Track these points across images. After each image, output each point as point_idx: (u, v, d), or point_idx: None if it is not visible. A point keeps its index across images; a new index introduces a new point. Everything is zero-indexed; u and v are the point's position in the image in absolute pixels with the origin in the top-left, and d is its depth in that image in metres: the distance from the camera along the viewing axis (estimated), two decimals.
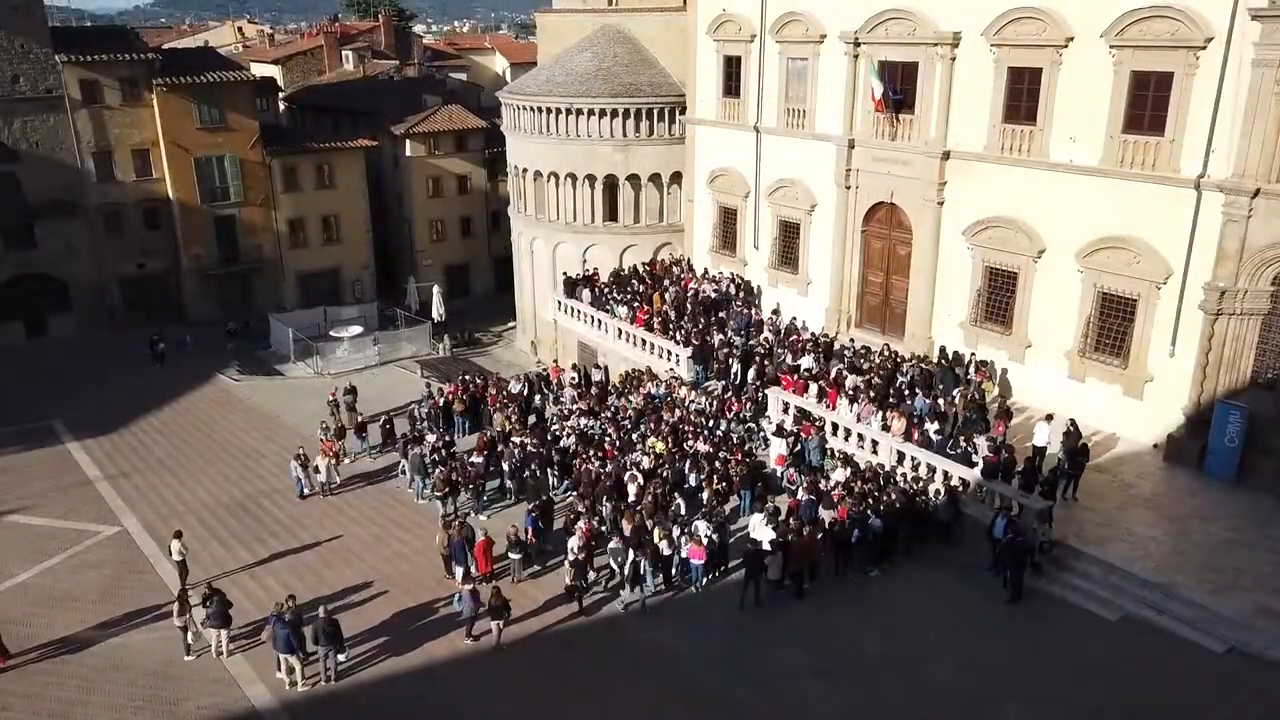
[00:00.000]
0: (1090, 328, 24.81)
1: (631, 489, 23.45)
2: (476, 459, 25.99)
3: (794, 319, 32.05)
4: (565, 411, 29.98)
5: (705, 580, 20.88)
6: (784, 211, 33.40)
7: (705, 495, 22.87)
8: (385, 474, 28.56)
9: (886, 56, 28.07)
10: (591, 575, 20.86)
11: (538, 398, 31.66)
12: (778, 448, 24.61)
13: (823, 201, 31.61)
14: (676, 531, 20.88)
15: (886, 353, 27.95)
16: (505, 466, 25.85)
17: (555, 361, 36.87)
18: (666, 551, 20.58)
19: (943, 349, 27.71)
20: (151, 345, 40.57)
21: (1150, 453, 23.80)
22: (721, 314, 32.67)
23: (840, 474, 22.91)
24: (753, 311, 33.14)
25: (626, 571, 20.65)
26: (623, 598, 20.63)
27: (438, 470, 25.41)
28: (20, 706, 17.94)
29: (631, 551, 20.51)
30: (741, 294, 34.36)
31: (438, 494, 24.91)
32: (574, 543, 20.61)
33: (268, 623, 18.64)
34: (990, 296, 27.16)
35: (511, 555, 21.79)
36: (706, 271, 36.24)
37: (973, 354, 27.29)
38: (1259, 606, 17.99)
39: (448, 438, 28.37)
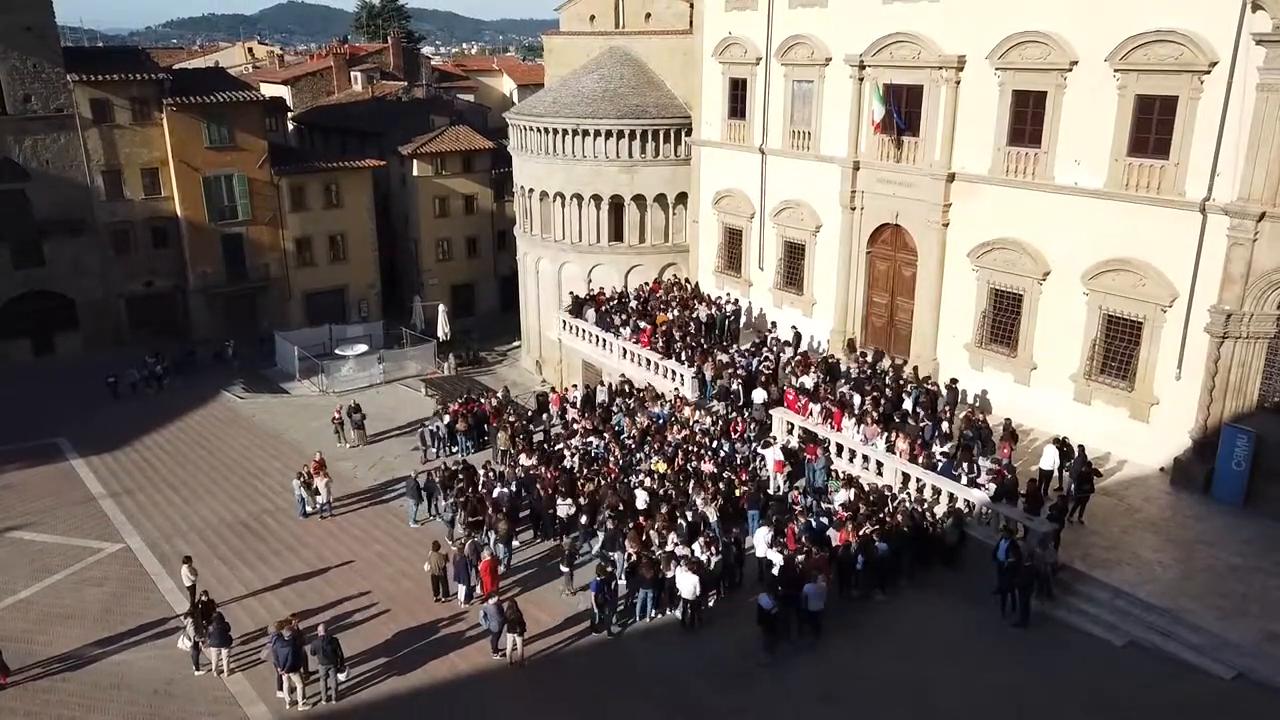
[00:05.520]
0: (1096, 350, 24.74)
1: (641, 498, 23.52)
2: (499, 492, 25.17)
3: (811, 338, 31.65)
4: (569, 430, 29.92)
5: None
6: (789, 233, 33.47)
7: (711, 516, 22.75)
8: (386, 493, 28.56)
9: (891, 80, 28.22)
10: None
11: (543, 416, 31.62)
12: (772, 457, 24.56)
13: (828, 223, 31.67)
14: (681, 549, 20.82)
15: (892, 374, 27.90)
16: (507, 490, 25.49)
17: (553, 389, 36.18)
18: (668, 574, 20.42)
19: (923, 374, 27.71)
20: (150, 371, 40.33)
21: (1157, 476, 23.67)
22: (739, 334, 32.59)
23: (843, 495, 22.78)
24: (754, 329, 33.09)
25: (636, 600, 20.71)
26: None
27: (501, 522, 23.71)
28: None
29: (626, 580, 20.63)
30: (732, 315, 34.24)
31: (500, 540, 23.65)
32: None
33: (269, 641, 18.58)
34: (995, 318, 27.13)
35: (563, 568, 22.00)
36: (705, 293, 36.20)
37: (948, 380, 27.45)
38: (1266, 633, 17.82)
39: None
